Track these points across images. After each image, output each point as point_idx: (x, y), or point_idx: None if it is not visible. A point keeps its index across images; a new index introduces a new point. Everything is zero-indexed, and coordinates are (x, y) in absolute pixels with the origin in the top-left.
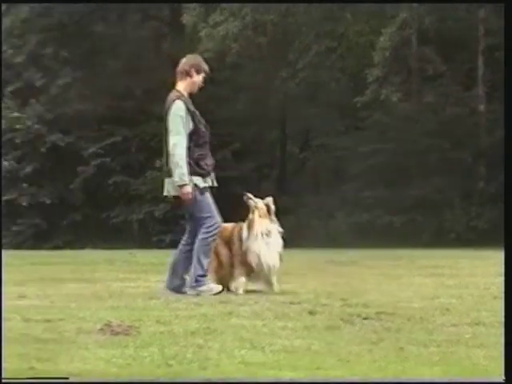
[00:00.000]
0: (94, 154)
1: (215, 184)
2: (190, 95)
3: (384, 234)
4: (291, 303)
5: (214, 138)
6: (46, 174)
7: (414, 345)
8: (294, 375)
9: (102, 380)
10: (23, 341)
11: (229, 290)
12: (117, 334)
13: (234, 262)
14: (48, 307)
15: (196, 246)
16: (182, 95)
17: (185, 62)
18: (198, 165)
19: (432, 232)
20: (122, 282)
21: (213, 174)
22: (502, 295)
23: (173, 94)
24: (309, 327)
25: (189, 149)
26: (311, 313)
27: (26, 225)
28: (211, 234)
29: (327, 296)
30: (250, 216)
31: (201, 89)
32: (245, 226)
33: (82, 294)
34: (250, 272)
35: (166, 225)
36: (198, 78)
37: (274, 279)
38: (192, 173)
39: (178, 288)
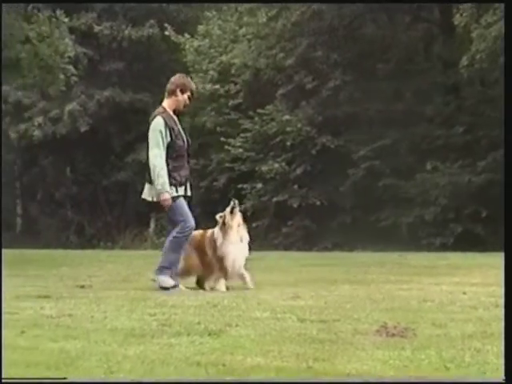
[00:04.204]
0: (363, 157)
1: (189, 193)
2: (175, 112)
3: None
4: None
5: (483, 140)
6: (316, 176)
7: None
8: None
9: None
10: (300, 341)
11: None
12: (393, 335)
13: (211, 267)
14: (322, 308)
15: (167, 241)
16: (165, 111)
17: (172, 82)
18: (170, 176)
19: None
20: (394, 284)
21: (188, 185)
22: None
23: (157, 110)
24: None
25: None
26: None
27: (295, 226)
28: (184, 234)
29: None
30: (229, 223)
31: (185, 106)
32: (219, 232)
33: (355, 296)
34: (226, 275)
35: (436, 228)
36: (183, 97)
37: (247, 277)
38: None
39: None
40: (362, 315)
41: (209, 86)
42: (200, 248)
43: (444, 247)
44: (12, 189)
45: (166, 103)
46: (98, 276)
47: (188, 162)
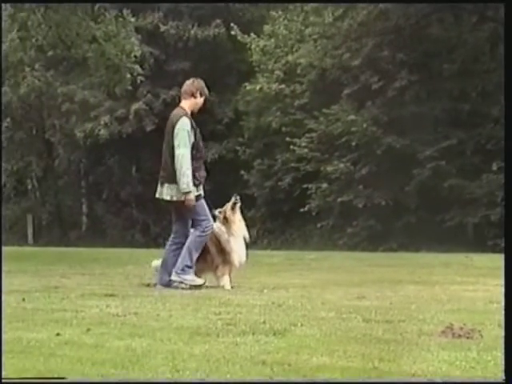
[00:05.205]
0: (429, 157)
1: (202, 194)
2: (192, 114)
3: None
4: None
5: None
6: (381, 176)
7: None
8: None
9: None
10: (366, 341)
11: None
12: (459, 336)
13: (214, 263)
14: (387, 308)
15: (189, 240)
16: (187, 113)
17: (191, 84)
18: (193, 175)
19: None
20: (459, 285)
21: (202, 185)
22: None
23: (179, 111)
24: None
25: None
26: None
27: (360, 226)
28: (206, 233)
29: None
30: (232, 218)
31: (200, 110)
32: (222, 227)
33: (420, 296)
34: (231, 270)
35: (502, 229)
36: (200, 100)
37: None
38: None
39: (168, 284)
40: (428, 316)
41: (274, 86)
42: None
43: None
44: (78, 188)
45: (186, 104)
46: None
47: (204, 163)
